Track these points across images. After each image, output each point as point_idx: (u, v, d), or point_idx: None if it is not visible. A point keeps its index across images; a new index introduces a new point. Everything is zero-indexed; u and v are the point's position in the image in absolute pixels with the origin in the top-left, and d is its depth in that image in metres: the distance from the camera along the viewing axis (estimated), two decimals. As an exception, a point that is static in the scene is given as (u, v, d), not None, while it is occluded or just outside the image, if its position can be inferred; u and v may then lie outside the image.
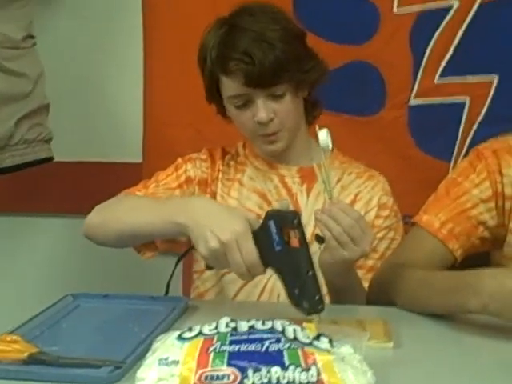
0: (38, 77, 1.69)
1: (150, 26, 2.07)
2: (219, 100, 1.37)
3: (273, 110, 1.31)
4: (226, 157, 1.45)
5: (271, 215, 1.04)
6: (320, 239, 1.22)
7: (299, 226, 1.01)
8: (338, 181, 1.41)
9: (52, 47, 2.05)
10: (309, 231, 1.35)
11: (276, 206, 1.25)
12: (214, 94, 1.37)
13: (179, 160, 1.44)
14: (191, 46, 2.02)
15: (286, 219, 1.02)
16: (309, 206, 1.38)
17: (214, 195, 1.41)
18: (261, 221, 1.05)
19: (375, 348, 0.93)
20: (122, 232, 1.23)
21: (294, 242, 1.00)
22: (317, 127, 1.19)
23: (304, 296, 1.00)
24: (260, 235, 1.03)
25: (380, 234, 1.39)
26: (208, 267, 1.16)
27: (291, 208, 1.07)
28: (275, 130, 1.33)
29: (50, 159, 1.77)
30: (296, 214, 1.02)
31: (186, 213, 1.12)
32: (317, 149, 1.41)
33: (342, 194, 1.40)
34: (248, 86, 1.28)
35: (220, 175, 1.43)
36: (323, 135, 1.17)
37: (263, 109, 1.30)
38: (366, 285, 1.32)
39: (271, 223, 1.02)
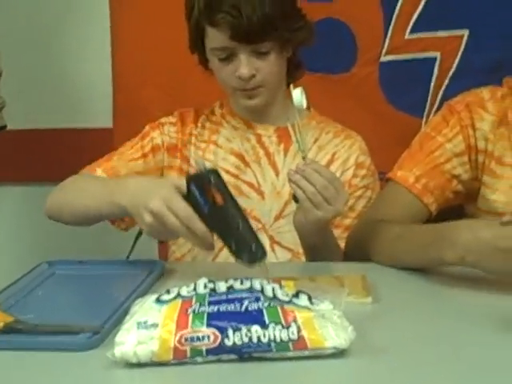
0: None
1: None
2: (202, 50, 1.35)
3: (255, 66, 1.29)
4: (201, 118, 1.43)
5: (191, 178, 1.04)
6: (297, 199, 1.23)
7: (218, 182, 1.02)
8: (316, 141, 1.40)
9: (9, 9, 2.02)
10: (287, 191, 1.35)
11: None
12: (197, 43, 1.34)
13: (146, 127, 1.42)
14: (161, 6, 2.00)
15: (204, 178, 1.02)
16: (286, 166, 1.37)
17: (185, 160, 1.39)
18: None
19: (354, 303, 0.94)
20: (75, 214, 1.25)
21: (219, 199, 1.01)
22: (291, 86, 1.19)
23: (241, 249, 1.00)
24: (188, 201, 1.02)
25: (357, 193, 1.39)
26: (160, 241, 1.15)
27: (208, 166, 1.06)
28: (255, 86, 1.31)
29: (3, 128, 1.80)
30: (211, 171, 1.03)
31: (123, 194, 1.11)
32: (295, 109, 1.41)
33: (320, 154, 1.39)
34: (233, 40, 1.26)
35: (193, 139, 1.41)
36: (297, 94, 1.17)
37: (246, 65, 1.28)
38: (342, 244, 1.32)
39: (193, 186, 1.02)
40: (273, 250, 1.35)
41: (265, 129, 1.40)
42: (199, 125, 1.42)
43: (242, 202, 1.34)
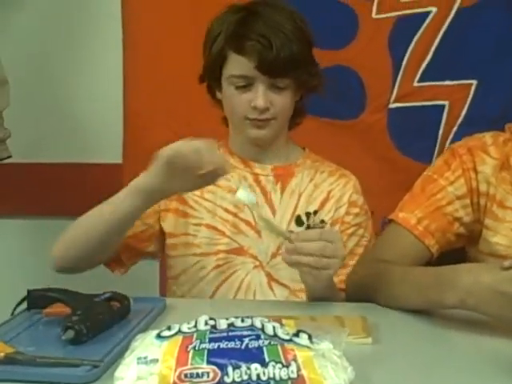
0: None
1: (130, 26, 2.08)
2: (216, 79, 1.36)
3: (270, 99, 1.31)
4: None
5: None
6: (288, 235, 1.26)
7: None
8: (311, 180, 1.42)
9: (25, 45, 2.08)
10: (283, 229, 1.36)
11: None
12: (214, 71, 1.36)
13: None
14: (171, 49, 2.04)
15: None
16: (283, 205, 1.40)
17: (182, 201, 1.40)
18: None
19: (354, 344, 0.94)
20: (88, 241, 1.23)
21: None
22: (238, 188, 1.18)
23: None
24: None
25: (349, 231, 1.40)
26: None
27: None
28: (267, 118, 1.33)
29: (8, 157, 1.89)
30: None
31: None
32: (293, 150, 1.44)
33: (315, 192, 1.41)
34: (258, 70, 1.28)
35: None
36: (243, 193, 1.15)
37: (263, 96, 1.30)
38: (335, 279, 1.30)
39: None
40: (270, 288, 1.35)
41: (262, 168, 1.42)
42: None
43: (239, 239, 1.37)
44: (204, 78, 1.41)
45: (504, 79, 1.93)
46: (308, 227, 1.39)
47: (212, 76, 1.38)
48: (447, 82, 1.96)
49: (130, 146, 2.10)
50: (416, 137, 2.00)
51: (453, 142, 1.95)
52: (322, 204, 1.40)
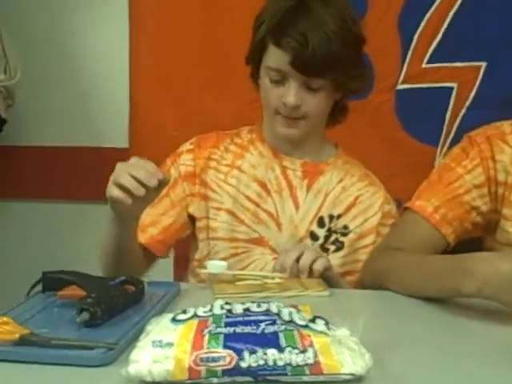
0: None
1: (136, 7, 2.06)
2: (258, 65, 1.34)
3: (303, 98, 1.28)
4: (225, 141, 1.42)
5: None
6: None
7: None
8: (340, 181, 1.40)
9: (34, 29, 2.07)
10: (304, 227, 1.36)
11: None
12: (255, 57, 1.34)
13: (167, 161, 1.42)
14: (179, 27, 2.03)
15: None
16: (307, 202, 1.38)
17: (204, 184, 1.38)
18: None
19: (313, 296, 1.02)
20: (109, 256, 1.25)
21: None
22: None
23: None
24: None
25: None
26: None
27: None
28: (298, 116, 1.31)
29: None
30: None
31: None
32: (326, 148, 1.41)
33: (343, 195, 1.39)
34: (292, 66, 1.25)
35: (213, 163, 1.39)
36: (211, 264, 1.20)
37: (294, 94, 1.27)
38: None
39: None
40: None
41: (291, 162, 1.39)
42: (222, 148, 1.41)
43: (260, 230, 1.36)
44: (249, 61, 1.38)
45: (512, 62, 1.92)
46: (329, 230, 1.37)
47: (253, 62, 1.36)
48: (457, 64, 1.95)
49: (137, 128, 2.08)
50: (424, 118, 1.99)
51: (461, 124, 1.96)
52: (348, 208, 1.38)
